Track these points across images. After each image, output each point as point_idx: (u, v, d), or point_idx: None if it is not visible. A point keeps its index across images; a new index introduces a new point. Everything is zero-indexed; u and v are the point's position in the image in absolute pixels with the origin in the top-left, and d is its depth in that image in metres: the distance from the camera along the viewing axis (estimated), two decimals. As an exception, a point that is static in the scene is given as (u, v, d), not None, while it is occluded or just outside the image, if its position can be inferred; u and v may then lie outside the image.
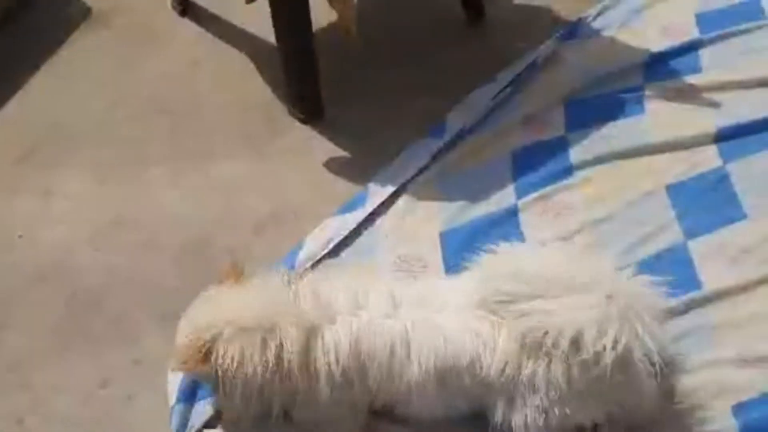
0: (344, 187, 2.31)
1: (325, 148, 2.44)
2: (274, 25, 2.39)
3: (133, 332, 2.01)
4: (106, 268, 2.17)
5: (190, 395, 1.81)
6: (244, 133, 2.53)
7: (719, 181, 2.10)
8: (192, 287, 2.02)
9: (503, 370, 1.53)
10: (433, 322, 1.58)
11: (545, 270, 1.56)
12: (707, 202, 2.05)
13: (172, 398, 1.80)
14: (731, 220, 1.99)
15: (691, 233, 1.98)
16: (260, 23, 2.72)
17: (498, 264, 1.62)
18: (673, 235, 1.99)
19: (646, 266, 1.82)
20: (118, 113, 2.64)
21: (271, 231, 2.22)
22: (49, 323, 2.06)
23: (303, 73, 2.43)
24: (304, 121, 2.50)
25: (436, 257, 2.01)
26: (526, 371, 1.51)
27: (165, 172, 2.43)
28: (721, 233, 1.97)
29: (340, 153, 2.42)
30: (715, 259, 1.92)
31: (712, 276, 1.88)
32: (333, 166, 2.38)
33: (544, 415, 1.53)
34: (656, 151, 2.20)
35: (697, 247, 1.95)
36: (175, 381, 1.84)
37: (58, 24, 2.96)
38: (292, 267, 2.00)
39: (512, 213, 2.08)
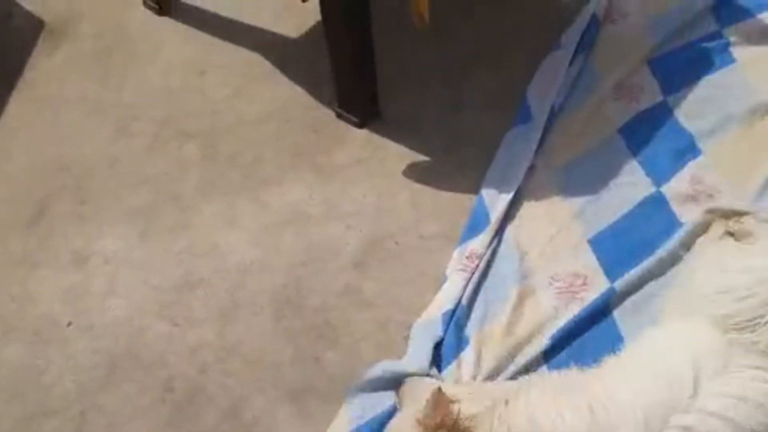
0: (438, 197, 2.00)
1: (396, 153, 2.10)
2: (326, 18, 1.99)
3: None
4: (188, 348, 1.79)
5: None
6: (291, 150, 2.14)
7: None
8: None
9: None
10: None
11: None
12: None
13: None
14: None
15: None
16: (261, 11, 2.39)
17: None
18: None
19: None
20: (128, 143, 2.20)
21: (375, 266, 1.89)
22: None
23: (361, 72, 2.07)
24: (359, 125, 2.16)
25: (594, 270, 1.76)
26: None
27: (216, 211, 2.04)
28: None
29: (417, 156, 2.09)
30: None
31: None
32: (414, 173, 2.06)
33: None
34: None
35: None
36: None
37: (9, 45, 2.45)
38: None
39: (659, 202, 1.85)
